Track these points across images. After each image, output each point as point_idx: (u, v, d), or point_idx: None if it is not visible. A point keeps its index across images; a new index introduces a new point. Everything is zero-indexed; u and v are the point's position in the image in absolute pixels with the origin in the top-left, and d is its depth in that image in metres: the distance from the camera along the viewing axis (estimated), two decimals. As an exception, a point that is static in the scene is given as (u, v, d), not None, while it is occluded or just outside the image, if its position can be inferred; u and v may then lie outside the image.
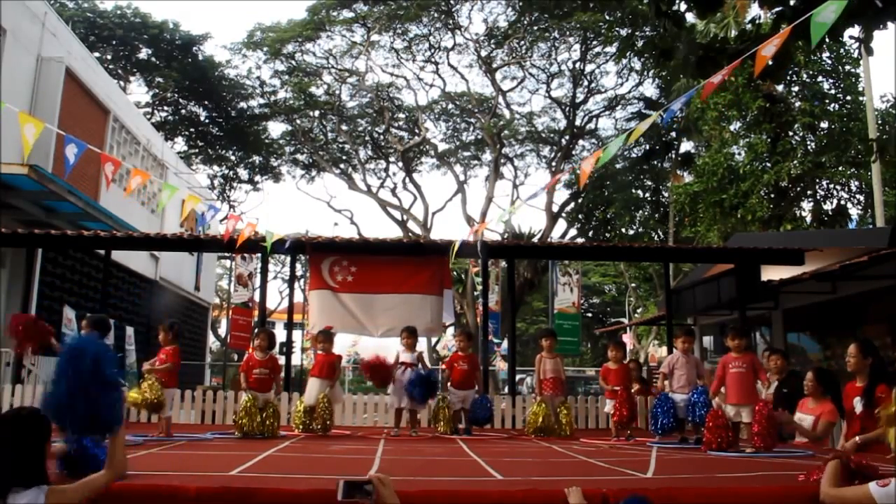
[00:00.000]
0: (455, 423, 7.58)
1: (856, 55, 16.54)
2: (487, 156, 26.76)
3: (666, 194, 22.67)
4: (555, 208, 24.43)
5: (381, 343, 9.24)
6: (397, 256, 9.76)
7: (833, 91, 17.55)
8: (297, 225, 73.81)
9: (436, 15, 24.03)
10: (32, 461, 2.73)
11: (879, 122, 16.76)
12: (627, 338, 26.63)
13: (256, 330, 7.81)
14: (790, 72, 16.45)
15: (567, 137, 25.14)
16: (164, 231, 15.41)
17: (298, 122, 26.81)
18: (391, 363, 7.51)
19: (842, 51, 17.04)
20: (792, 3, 5.73)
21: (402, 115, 27.35)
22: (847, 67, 17.51)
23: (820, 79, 17.70)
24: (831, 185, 17.47)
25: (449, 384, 7.77)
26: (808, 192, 17.70)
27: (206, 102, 26.89)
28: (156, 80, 25.68)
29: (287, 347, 10.16)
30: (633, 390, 7.72)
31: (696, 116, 18.97)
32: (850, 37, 7.67)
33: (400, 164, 27.02)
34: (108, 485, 3.03)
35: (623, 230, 23.39)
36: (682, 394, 6.60)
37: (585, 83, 24.68)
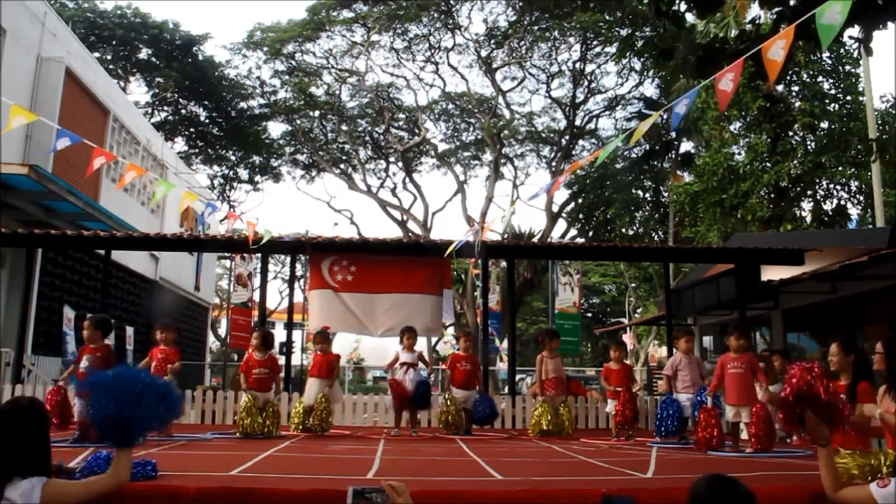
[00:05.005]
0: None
1: (856, 55, 16.52)
2: (487, 156, 26.78)
3: (666, 194, 22.64)
4: (555, 208, 24.45)
5: (381, 342, 9.25)
6: (397, 256, 9.76)
7: (833, 91, 17.51)
8: (297, 225, 73.76)
9: (436, 15, 24.02)
10: (30, 452, 2.70)
11: (879, 122, 16.74)
12: (627, 338, 26.57)
13: (256, 330, 7.82)
14: (790, 72, 16.42)
15: (567, 137, 25.14)
16: (164, 231, 15.43)
17: (298, 122, 26.79)
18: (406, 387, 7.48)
19: (842, 51, 17.01)
20: (792, 3, 5.73)
21: (402, 116, 27.34)
22: (847, 67, 17.47)
23: (820, 79, 17.65)
24: (831, 185, 17.43)
25: (451, 384, 7.78)
26: (808, 192, 17.66)
27: (206, 102, 26.88)
28: (156, 80, 25.68)
29: (287, 347, 10.17)
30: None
31: (696, 116, 18.94)
32: (850, 37, 7.66)
33: (400, 164, 27.02)
34: (109, 491, 2.92)
35: (623, 230, 23.35)
36: (688, 394, 6.60)
37: (585, 83, 24.69)
